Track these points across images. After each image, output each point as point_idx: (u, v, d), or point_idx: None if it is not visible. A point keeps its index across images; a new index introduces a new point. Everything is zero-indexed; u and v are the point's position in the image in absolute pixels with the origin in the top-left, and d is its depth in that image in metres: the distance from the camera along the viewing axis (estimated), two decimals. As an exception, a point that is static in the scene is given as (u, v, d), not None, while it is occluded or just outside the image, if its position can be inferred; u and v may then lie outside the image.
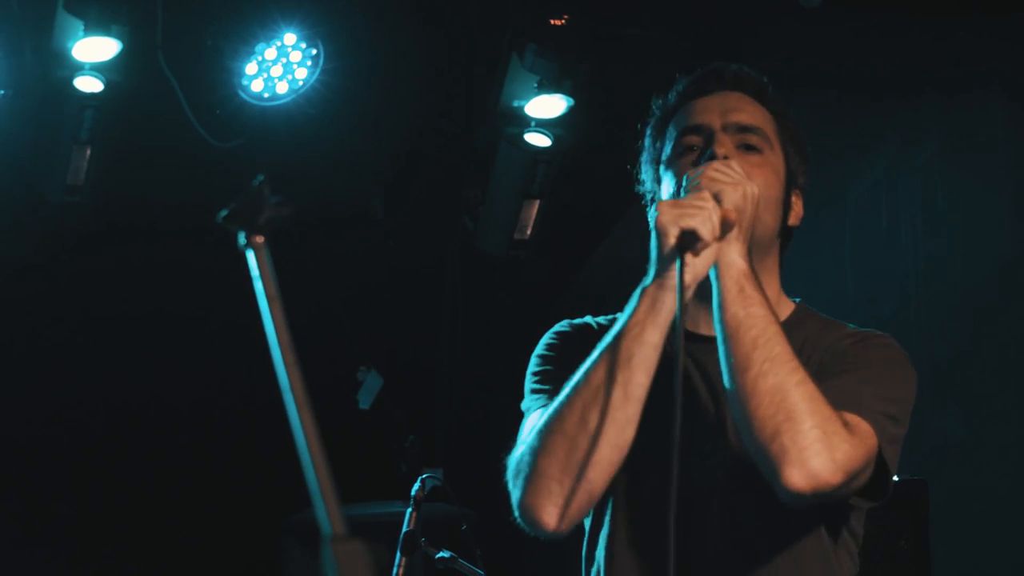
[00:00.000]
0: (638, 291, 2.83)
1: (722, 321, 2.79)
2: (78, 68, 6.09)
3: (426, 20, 6.59)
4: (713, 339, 2.88)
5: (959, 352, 5.57)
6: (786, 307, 3.10)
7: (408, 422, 7.96)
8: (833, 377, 2.84)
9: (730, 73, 3.13)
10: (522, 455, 2.86)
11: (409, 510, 5.17)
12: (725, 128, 3.01)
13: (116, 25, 6.00)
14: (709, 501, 2.89)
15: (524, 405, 3.08)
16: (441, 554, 5.26)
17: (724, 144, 2.97)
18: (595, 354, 2.81)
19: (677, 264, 2.70)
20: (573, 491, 2.79)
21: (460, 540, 5.48)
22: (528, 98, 6.54)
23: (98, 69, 6.11)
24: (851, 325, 3.08)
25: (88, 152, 6.42)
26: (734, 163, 2.88)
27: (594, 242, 7.79)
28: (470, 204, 7.30)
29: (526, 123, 6.65)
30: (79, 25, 5.96)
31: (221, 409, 7.67)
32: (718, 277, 2.81)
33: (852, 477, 2.76)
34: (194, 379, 7.61)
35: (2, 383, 7.35)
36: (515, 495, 2.86)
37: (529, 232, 7.09)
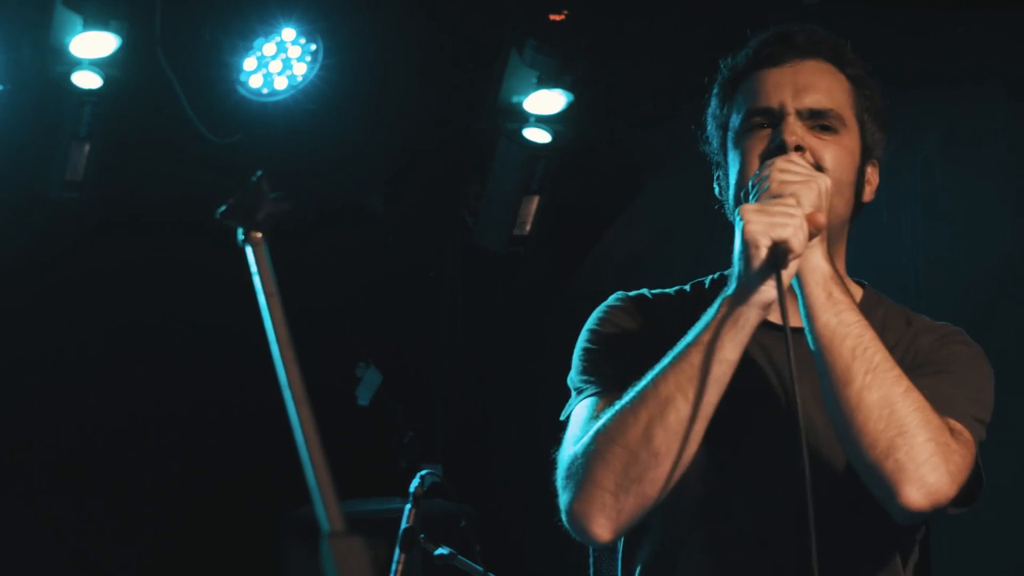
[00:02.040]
0: (719, 301, 2.67)
1: (814, 330, 2.67)
2: (77, 64, 6.09)
3: (425, 15, 6.58)
4: (793, 329, 2.72)
5: (959, 348, 5.56)
6: (855, 292, 2.97)
7: (407, 418, 7.97)
8: (924, 379, 2.72)
9: (803, 37, 2.97)
10: (575, 458, 2.73)
11: (408, 506, 5.17)
12: (799, 113, 2.86)
13: (115, 20, 5.99)
14: (780, 502, 2.75)
15: (573, 382, 2.94)
16: (440, 550, 5.26)
17: (793, 131, 2.83)
18: (666, 362, 2.67)
19: (777, 280, 2.56)
20: (628, 505, 2.67)
21: (459, 536, 5.47)
22: (527, 93, 6.54)
23: (97, 65, 6.10)
24: (922, 316, 3.00)
25: (87, 148, 6.41)
26: (796, 157, 2.75)
27: (593, 238, 7.78)
28: (469, 200, 7.30)
29: (525, 119, 6.65)
30: (78, 20, 5.96)
31: (220, 405, 7.67)
32: (803, 283, 2.68)
33: (962, 487, 2.69)
34: (193, 375, 7.60)
35: None
36: (564, 500, 2.74)
37: (528, 228, 7.08)
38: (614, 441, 2.66)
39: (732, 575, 2.79)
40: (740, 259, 2.62)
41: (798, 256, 2.59)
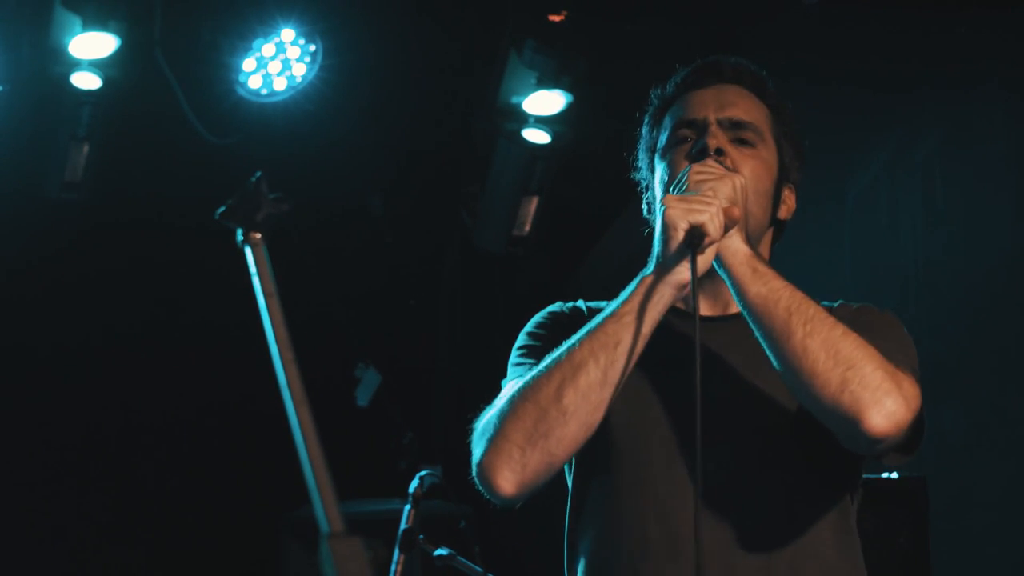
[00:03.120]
0: (636, 280, 2.87)
1: (747, 304, 2.84)
2: (76, 64, 6.08)
3: (425, 16, 6.58)
4: (709, 318, 3.01)
5: (959, 349, 5.56)
6: None
7: (406, 419, 7.97)
8: None
9: (728, 66, 3.17)
10: (491, 417, 2.90)
11: (407, 507, 5.16)
12: (720, 123, 3.05)
13: (114, 21, 5.99)
14: (714, 483, 2.85)
15: (504, 380, 3.10)
16: (439, 551, 5.24)
17: (717, 137, 3.02)
18: (582, 332, 2.85)
19: (691, 260, 2.74)
20: (533, 460, 2.82)
21: (458, 537, 5.46)
22: (526, 94, 6.53)
23: (96, 65, 6.10)
24: (836, 302, 3.09)
25: (86, 148, 6.41)
26: (711, 162, 2.94)
27: (592, 239, 7.78)
28: (468, 200, 7.29)
29: (524, 119, 6.65)
30: (77, 21, 5.95)
31: (219, 406, 7.67)
32: (726, 265, 2.86)
33: (915, 417, 2.78)
34: (192, 376, 7.60)
35: (-1, 380, 7.35)
36: (476, 454, 2.89)
37: (527, 229, 7.08)
38: (526, 399, 2.83)
39: (670, 549, 2.87)
40: (659, 242, 2.82)
41: (714, 241, 2.78)
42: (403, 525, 5.12)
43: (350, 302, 7.88)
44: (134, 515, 7.77)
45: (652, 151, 3.18)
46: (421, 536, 5.17)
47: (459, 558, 5.27)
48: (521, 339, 3.17)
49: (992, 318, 5.46)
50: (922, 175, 5.84)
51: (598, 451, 2.95)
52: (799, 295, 2.80)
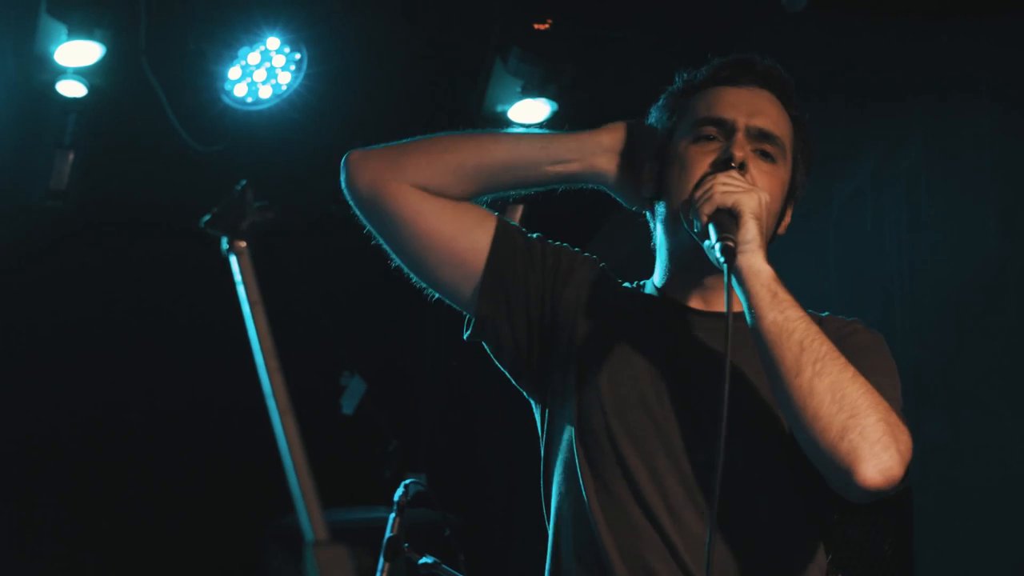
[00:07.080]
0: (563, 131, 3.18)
1: (761, 328, 2.77)
2: (61, 72, 6.08)
3: (409, 24, 6.58)
4: (700, 312, 3.03)
5: (943, 357, 5.57)
6: None
7: (391, 427, 7.97)
8: None
9: (761, 67, 3.10)
10: None
11: (392, 515, 5.16)
12: (748, 130, 2.99)
13: (99, 29, 5.99)
14: (700, 483, 2.86)
15: None
16: (424, 559, 5.24)
17: (742, 147, 2.96)
18: (502, 131, 3.25)
19: (724, 272, 2.75)
20: (392, 156, 3.34)
21: (443, 545, 5.46)
22: (512, 102, 6.54)
23: (81, 73, 6.10)
24: (824, 313, 3.08)
25: (71, 156, 6.41)
26: (735, 174, 2.88)
27: (577, 247, 7.78)
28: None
29: (509, 127, 6.65)
30: (62, 29, 5.95)
31: (203, 414, 7.67)
32: (746, 284, 2.80)
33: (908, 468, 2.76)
34: (177, 385, 7.60)
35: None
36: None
37: (513, 237, 7.08)
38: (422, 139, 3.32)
39: (653, 544, 2.85)
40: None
41: (758, 217, 2.80)
42: (388, 533, 5.12)
43: (335, 311, 7.88)
44: (118, 523, 7.76)
45: (672, 131, 3.12)
46: (406, 544, 5.16)
47: (444, 567, 5.27)
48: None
49: (976, 326, 5.46)
50: (906, 183, 5.85)
51: (585, 434, 2.96)
52: (813, 330, 2.76)
